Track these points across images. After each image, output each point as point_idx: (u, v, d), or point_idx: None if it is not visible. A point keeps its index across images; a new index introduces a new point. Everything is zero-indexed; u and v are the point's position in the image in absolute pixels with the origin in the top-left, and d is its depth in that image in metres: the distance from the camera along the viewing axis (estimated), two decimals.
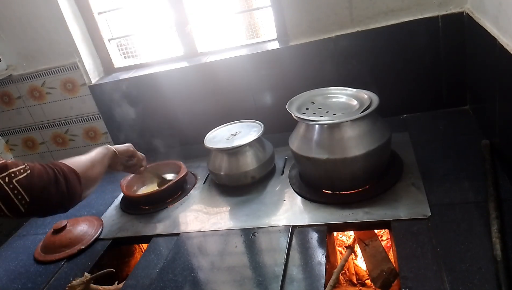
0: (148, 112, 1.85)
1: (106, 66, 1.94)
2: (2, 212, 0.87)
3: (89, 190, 1.09)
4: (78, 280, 1.16)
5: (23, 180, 0.89)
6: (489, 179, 1.12)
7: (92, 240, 1.37)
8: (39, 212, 0.94)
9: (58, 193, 0.95)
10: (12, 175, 0.88)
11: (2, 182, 0.86)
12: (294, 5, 1.54)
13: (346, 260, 1.26)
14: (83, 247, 1.34)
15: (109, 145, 1.29)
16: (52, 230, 1.40)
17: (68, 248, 1.35)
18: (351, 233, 1.37)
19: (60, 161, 1.04)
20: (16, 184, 0.88)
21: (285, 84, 1.66)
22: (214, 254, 1.18)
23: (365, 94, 1.28)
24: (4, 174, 0.87)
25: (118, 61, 1.95)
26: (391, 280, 1.19)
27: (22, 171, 0.90)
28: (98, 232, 1.41)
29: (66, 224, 1.41)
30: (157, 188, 1.51)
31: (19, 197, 0.88)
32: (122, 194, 1.59)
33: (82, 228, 1.42)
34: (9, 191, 0.86)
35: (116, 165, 1.32)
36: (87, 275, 1.17)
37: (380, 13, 1.49)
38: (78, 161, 1.08)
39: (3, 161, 0.89)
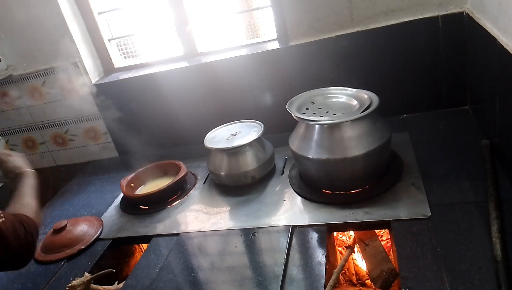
0: (148, 112, 1.85)
1: (106, 66, 1.94)
2: None
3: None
4: (78, 280, 1.16)
5: (1, 225, 0.84)
6: (489, 179, 1.12)
7: (92, 240, 1.37)
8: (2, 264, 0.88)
9: (24, 250, 0.90)
10: None
11: None
12: (294, 5, 1.54)
13: (346, 260, 1.26)
14: (83, 247, 1.35)
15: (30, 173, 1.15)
16: (52, 230, 1.40)
17: (68, 248, 1.35)
18: (351, 233, 1.37)
19: (23, 211, 0.98)
20: None
21: (285, 84, 1.66)
22: (214, 254, 1.18)
23: (365, 94, 1.28)
24: None
25: (118, 61, 1.95)
26: (391, 280, 1.19)
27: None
28: (98, 232, 1.41)
29: (66, 224, 1.41)
30: (157, 187, 1.50)
31: None
32: (122, 194, 1.59)
33: (82, 228, 1.42)
34: None
35: None
36: (87, 275, 1.18)
37: (380, 13, 1.49)
38: (35, 211, 1.02)
39: None
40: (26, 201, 1.03)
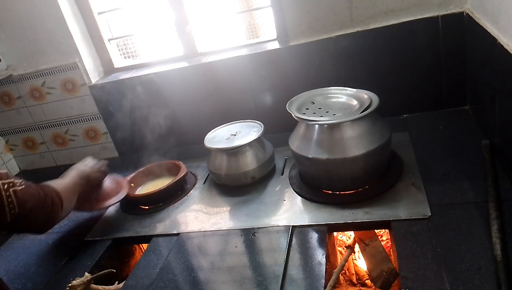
0: (148, 112, 1.85)
1: (106, 66, 1.94)
2: None
3: (65, 215, 1.14)
4: (78, 280, 1.16)
5: (19, 192, 0.93)
6: (489, 179, 1.12)
7: (118, 200, 1.44)
8: (20, 227, 0.98)
9: (44, 215, 1.00)
10: (11, 184, 0.92)
11: (2, 187, 0.90)
12: (294, 5, 1.54)
13: (346, 260, 1.26)
14: (109, 205, 1.42)
15: (84, 170, 1.32)
16: None
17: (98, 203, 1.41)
18: (351, 233, 1.37)
19: (50, 183, 1.09)
20: (12, 193, 0.92)
21: (285, 84, 1.66)
22: (214, 254, 1.18)
23: (365, 94, 1.28)
24: (5, 181, 0.92)
25: (118, 61, 1.95)
26: (391, 280, 1.19)
27: (18, 184, 0.94)
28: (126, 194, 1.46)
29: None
30: (157, 187, 1.50)
31: (11, 206, 0.91)
32: None
33: (110, 186, 1.46)
34: (4, 198, 0.90)
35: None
36: (87, 275, 1.18)
37: (380, 13, 1.49)
38: (63, 187, 1.13)
39: (5, 171, 0.95)
40: (61, 180, 1.18)
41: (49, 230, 1.06)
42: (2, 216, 0.90)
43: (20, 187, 0.94)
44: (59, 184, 1.13)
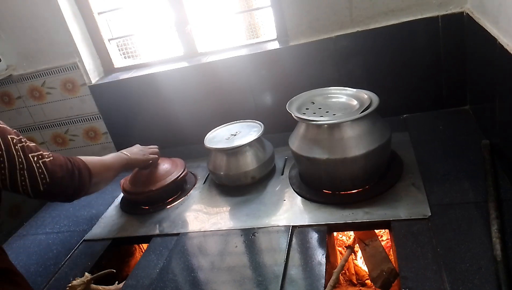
0: (148, 112, 1.85)
1: (106, 66, 1.94)
2: (25, 187, 0.96)
3: (97, 188, 1.21)
4: (78, 280, 1.16)
5: (48, 163, 1.00)
6: (489, 179, 1.12)
7: (172, 179, 1.48)
8: (52, 195, 1.03)
9: (72, 184, 1.06)
10: (40, 156, 0.99)
11: (32, 160, 0.97)
12: (294, 5, 1.54)
13: (346, 260, 1.26)
14: (165, 184, 1.46)
15: (125, 154, 1.39)
16: None
17: (152, 184, 1.46)
18: (351, 233, 1.37)
19: (80, 157, 1.14)
20: (42, 164, 0.99)
21: (285, 84, 1.66)
22: (214, 254, 1.18)
23: (365, 94, 1.28)
24: (36, 153, 0.99)
25: (118, 61, 1.95)
26: (391, 280, 1.19)
27: (47, 156, 1.01)
28: (180, 173, 1.51)
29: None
30: (157, 187, 1.50)
31: (42, 176, 0.98)
32: (122, 194, 1.59)
33: (166, 167, 1.52)
34: (36, 169, 0.97)
35: (132, 168, 1.50)
36: (87, 275, 1.18)
37: (380, 13, 1.49)
38: (94, 161, 1.18)
39: (34, 144, 1.01)
40: (93, 157, 1.21)
41: (80, 198, 1.11)
42: (35, 186, 0.97)
43: (49, 159, 1.01)
44: (89, 158, 1.17)
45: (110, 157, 1.32)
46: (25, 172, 0.96)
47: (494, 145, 1.24)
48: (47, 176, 0.99)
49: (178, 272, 1.14)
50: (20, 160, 0.95)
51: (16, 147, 0.95)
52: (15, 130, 0.98)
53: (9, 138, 0.94)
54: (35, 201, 1.83)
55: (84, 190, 1.11)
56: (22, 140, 0.98)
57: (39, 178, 0.98)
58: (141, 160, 1.43)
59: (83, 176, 1.09)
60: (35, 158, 0.98)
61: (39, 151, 1.00)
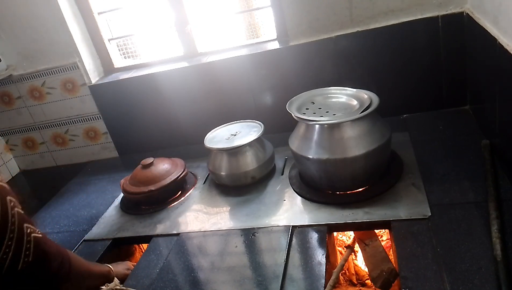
0: (148, 112, 1.85)
1: (106, 66, 1.94)
2: (3, 260, 0.78)
3: (70, 287, 0.98)
4: (108, 286, 1.09)
5: (38, 238, 0.85)
6: (489, 179, 1.12)
7: (172, 179, 1.48)
8: (27, 279, 0.85)
9: (50, 272, 0.89)
10: (32, 230, 0.84)
11: (25, 231, 0.82)
12: (294, 5, 1.54)
13: (346, 260, 1.26)
14: (164, 184, 1.46)
15: (112, 272, 1.18)
16: (141, 165, 1.52)
17: (152, 183, 1.46)
18: (351, 233, 1.37)
19: (65, 249, 0.99)
20: (32, 239, 0.83)
21: (285, 84, 1.66)
22: (214, 254, 1.18)
23: (365, 94, 1.28)
24: (30, 225, 0.84)
25: (118, 61, 1.95)
26: (391, 280, 1.19)
27: (38, 231, 0.87)
28: (180, 173, 1.51)
29: (152, 161, 1.52)
30: (157, 187, 1.49)
31: (27, 253, 0.82)
32: (122, 194, 1.59)
33: (165, 167, 1.52)
34: (24, 243, 0.82)
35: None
36: (116, 281, 1.11)
37: (380, 13, 1.49)
38: (79, 260, 1.03)
39: (26, 216, 0.85)
40: (87, 264, 1.07)
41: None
42: (15, 263, 0.79)
43: (39, 235, 0.86)
44: (75, 255, 1.02)
45: (95, 263, 1.18)
46: (13, 243, 0.79)
47: (494, 145, 1.24)
48: (31, 254, 0.82)
49: (178, 272, 1.14)
50: (13, 228, 0.79)
51: (13, 211, 0.80)
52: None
53: (8, 200, 0.79)
54: (35, 201, 1.85)
55: (61, 283, 0.92)
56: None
57: (23, 255, 0.81)
58: (122, 273, 1.23)
59: (65, 269, 0.92)
60: (28, 230, 0.82)
61: (33, 224, 0.85)
